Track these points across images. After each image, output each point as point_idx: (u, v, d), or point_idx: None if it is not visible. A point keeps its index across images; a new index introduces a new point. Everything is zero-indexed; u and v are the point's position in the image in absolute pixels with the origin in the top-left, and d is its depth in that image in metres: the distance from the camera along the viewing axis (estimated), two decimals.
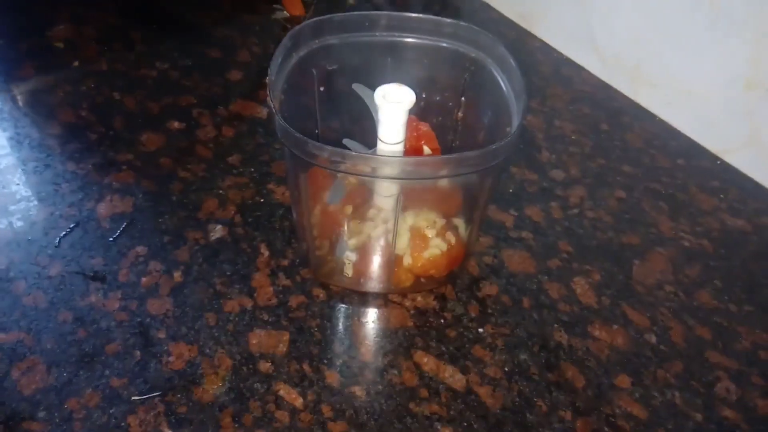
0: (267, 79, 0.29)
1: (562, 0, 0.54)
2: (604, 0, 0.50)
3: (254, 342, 0.33)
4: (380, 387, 0.32)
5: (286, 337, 0.33)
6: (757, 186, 0.45)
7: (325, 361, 0.32)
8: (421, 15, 0.33)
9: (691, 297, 0.37)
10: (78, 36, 0.53)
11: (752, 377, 0.33)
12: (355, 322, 0.34)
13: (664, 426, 0.31)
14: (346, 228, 0.33)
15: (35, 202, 0.39)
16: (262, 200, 0.41)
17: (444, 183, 0.34)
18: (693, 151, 0.48)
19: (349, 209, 0.33)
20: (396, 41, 0.34)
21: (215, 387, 0.31)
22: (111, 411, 0.30)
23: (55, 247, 0.37)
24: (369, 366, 0.32)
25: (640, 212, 0.42)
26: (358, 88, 0.34)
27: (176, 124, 0.46)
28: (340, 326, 0.34)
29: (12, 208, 0.39)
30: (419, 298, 0.36)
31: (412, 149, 0.34)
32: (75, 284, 0.35)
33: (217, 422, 0.30)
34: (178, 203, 0.40)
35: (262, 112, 0.47)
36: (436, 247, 0.33)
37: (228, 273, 0.36)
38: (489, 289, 0.37)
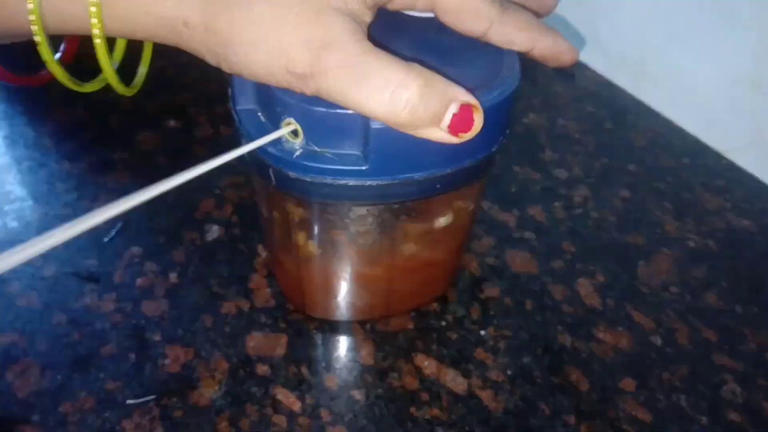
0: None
1: None
2: None
3: (251, 345, 0.32)
4: (380, 391, 0.31)
5: (284, 339, 0.33)
6: (762, 185, 0.44)
7: (324, 365, 0.32)
8: None
9: (696, 298, 0.36)
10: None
11: (759, 379, 0.33)
12: (354, 324, 0.34)
13: (669, 429, 0.30)
14: None
15: (30, 202, 0.39)
16: None
17: None
18: (698, 150, 0.47)
19: None
20: None
21: (212, 390, 0.30)
22: (105, 415, 0.29)
23: None
24: (369, 369, 0.32)
25: (645, 212, 0.42)
26: None
27: (172, 123, 0.45)
28: (340, 329, 0.34)
29: (6, 207, 0.38)
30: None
31: None
32: (69, 285, 0.34)
33: (214, 426, 0.29)
34: (173, 203, 0.39)
35: None
36: None
37: (225, 274, 0.36)
38: (491, 290, 0.36)
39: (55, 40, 0.23)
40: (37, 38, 0.23)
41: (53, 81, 0.26)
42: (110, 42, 0.24)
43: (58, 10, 0.22)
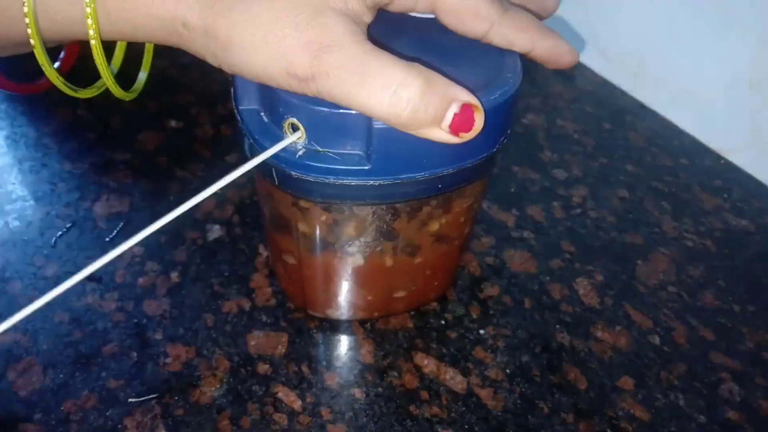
0: None
1: None
2: None
3: (253, 343, 0.33)
4: (380, 389, 0.31)
5: (285, 338, 0.33)
6: (760, 185, 0.45)
7: (325, 363, 0.32)
8: None
9: (694, 297, 0.37)
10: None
11: (756, 378, 0.33)
12: (354, 323, 0.34)
13: (667, 428, 0.30)
14: None
15: (31, 202, 0.39)
16: None
17: None
18: (696, 150, 0.47)
19: None
20: None
21: (213, 389, 0.31)
22: (107, 413, 0.29)
23: (51, 247, 0.36)
24: (369, 368, 0.32)
25: (643, 212, 0.42)
26: None
27: (174, 123, 0.46)
28: (340, 327, 0.34)
29: (8, 207, 0.38)
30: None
31: None
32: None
33: (215, 424, 0.29)
34: (175, 203, 0.39)
35: None
36: None
37: (226, 273, 0.36)
38: (490, 289, 0.36)
39: (54, 49, 0.23)
40: (33, 41, 0.23)
41: (53, 86, 0.26)
42: (109, 47, 0.24)
43: (57, 13, 0.22)
